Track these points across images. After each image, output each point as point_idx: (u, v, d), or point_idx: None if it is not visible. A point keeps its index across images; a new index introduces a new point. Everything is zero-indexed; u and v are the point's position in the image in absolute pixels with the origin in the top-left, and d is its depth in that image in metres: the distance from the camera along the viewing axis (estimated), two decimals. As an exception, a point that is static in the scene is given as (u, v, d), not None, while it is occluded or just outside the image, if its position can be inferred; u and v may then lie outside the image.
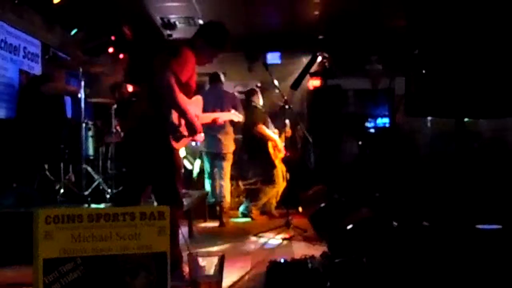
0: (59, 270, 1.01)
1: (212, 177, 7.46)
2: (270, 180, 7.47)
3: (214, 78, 7.56)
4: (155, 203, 4.83)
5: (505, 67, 2.47)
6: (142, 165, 3.99)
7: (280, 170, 7.62)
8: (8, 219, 4.34)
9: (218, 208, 7.24)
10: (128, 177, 4.52)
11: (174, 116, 3.87)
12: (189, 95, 3.99)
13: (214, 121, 4.66)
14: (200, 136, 4.29)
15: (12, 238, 4.09)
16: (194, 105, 4.09)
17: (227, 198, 7.43)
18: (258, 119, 7.57)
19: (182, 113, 3.85)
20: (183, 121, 3.91)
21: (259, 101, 7.87)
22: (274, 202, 7.64)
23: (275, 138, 7.67)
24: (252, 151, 7.76)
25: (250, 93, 7.91)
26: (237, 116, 5.29)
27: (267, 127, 7.73)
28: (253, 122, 7.52)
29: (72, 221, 1.03)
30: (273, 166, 7.51)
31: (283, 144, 7.62)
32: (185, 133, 3.95)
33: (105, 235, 1.05)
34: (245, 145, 7.89)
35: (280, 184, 7.60)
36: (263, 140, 7.54)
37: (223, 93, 7.44)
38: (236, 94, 8.05)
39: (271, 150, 7.56)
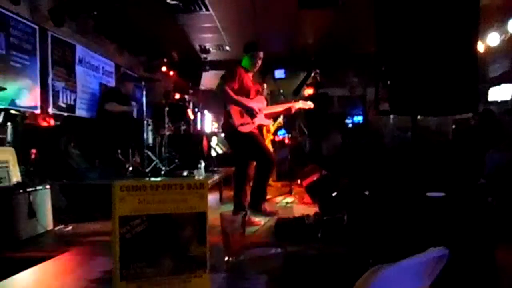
0: (130, 224, 1.02)
1: None
2: None
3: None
4: (200, 177, 4.85)
5: (445, 81, 2.47)
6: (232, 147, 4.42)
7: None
8: (93, 189, 4.39)
9: None
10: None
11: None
12: (249, 95, 4.18)
13: (289, 109, 4.66)
14: (267, 121, 4.47)
15: (96, 202, 4.14)
16: (256, 101, 4.23)
17: None
18: None
19: (239, 104, 4.05)
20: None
21: (264, 93, 7.48)
22: None
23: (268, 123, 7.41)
24: None
25: None
26: (305, 105, 4.82)
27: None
28: None
29: (139, 190, 1.03)
30: None
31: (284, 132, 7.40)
32: (248, 119, 4.08)
33: (162, 199, 1.05)
34: None
35: None
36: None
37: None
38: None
39: (264, 131, 7.30)
